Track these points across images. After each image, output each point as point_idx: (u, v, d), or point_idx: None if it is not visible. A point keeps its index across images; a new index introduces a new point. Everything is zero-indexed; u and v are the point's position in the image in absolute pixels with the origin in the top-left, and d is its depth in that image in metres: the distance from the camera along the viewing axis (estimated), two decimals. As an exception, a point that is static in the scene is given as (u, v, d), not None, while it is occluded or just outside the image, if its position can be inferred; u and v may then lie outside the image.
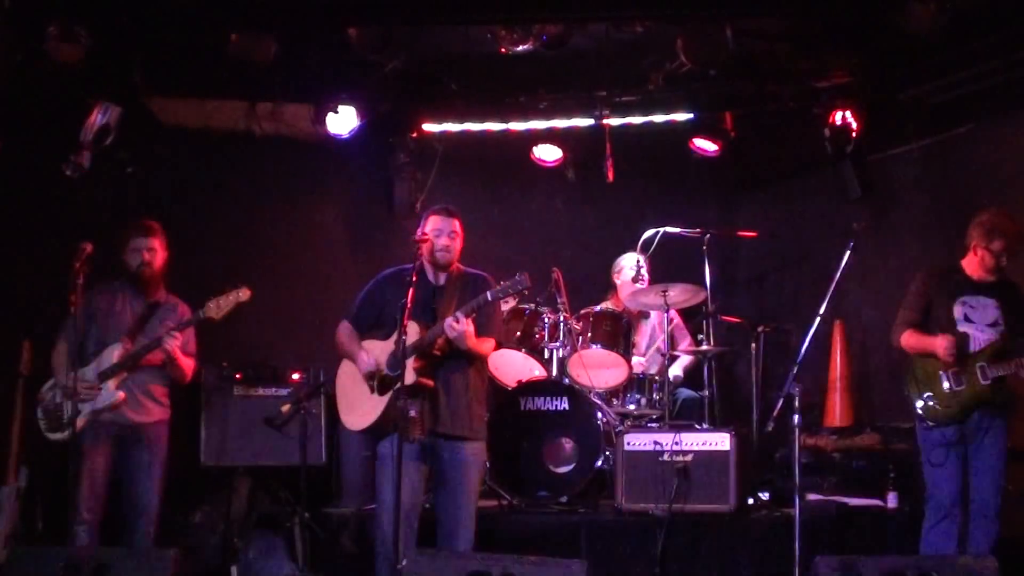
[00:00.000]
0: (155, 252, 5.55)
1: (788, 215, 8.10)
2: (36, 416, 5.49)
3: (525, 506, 6.13)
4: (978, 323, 5.29)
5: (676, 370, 7.01)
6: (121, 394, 5.36)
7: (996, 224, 5.31)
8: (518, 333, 6.55)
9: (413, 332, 4.91)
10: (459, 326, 4.87)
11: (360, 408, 5.15)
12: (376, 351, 5.14)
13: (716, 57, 5.96)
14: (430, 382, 5.00)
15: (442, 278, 5.21)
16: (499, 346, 5.52)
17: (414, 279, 4.85)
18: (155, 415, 5.51)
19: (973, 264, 5.40)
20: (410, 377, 4.86)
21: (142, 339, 5.44)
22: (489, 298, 4.97)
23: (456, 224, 5.20)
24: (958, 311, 5.33)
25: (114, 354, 5.40)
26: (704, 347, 6.64)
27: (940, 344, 5.24)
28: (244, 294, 5.36)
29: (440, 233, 5.15)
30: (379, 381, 5.08)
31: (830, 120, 6.82)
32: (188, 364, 5.56)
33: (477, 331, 5.00)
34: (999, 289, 5.36)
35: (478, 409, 5.18)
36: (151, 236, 5.56)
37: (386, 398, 5.04)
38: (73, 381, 4.97)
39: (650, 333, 7.18)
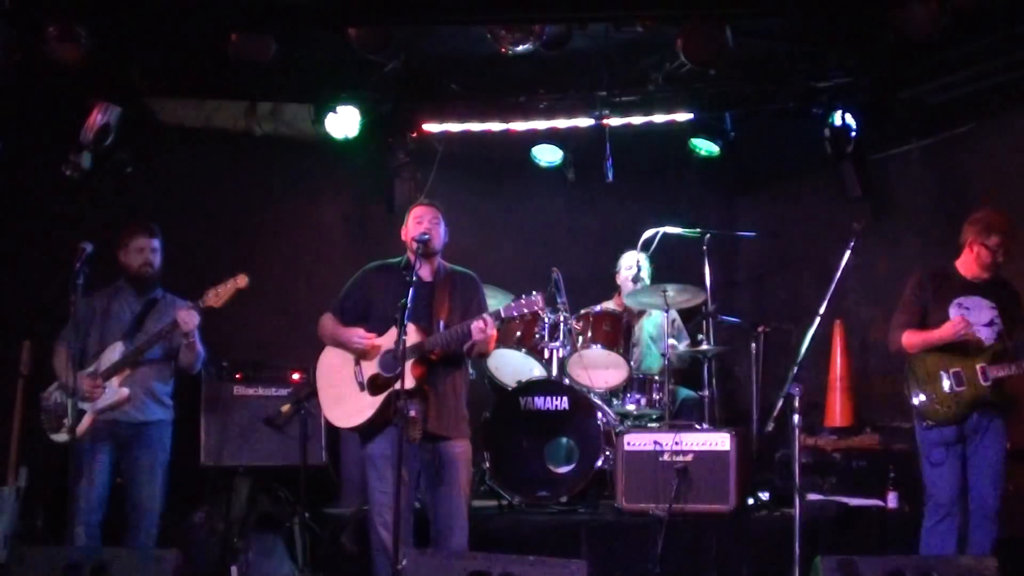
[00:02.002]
0: (157, 253, 5.58)
1: (788, 215, 8.11)
2: (39, 418, 5.48)
3: (525, 506, 6.13)
4: (975, 324, 5.28)
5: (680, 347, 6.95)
6: (125, 391, 5.34)
7: (992, 220, 5.33)
8: (518, 333, 6.55)
9: (411, 333, 4.87)
10: (490, 330, 4.92)
11: (348, 405, 5.07)
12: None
13: (716, 57, 5.95)
14: (424, 385, 4.98)
15: (428, 273, 5.17)
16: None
17: (414, 278, 4.84)
18: (158, 415, 5.50)
19: (968, 264, 5.40)
20: (410, 381, 4.83)
21: (141, 336, 5.43)
22: (502, 315, 4.98)
23: (438, 214, 5.23)
24: (953, 313, 5.32)
25: (115, 352, 5.40)
26: (704, 347, 6.64)
27: (948, 328, 5.24)
28: (242, 280, 5.37)
29: (422, 220, 5.17)
30: (371, 381, 5.03)
31: (830, 120, 6.82)
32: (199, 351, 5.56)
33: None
34: (993, 288, 5.37)
35: (463, 409, 5.19)
36: (154, 237, 5.57)
37: (379, 399, 4.97)
38: (74, 380, 4.96)
39: (655, 333, 7.16)
